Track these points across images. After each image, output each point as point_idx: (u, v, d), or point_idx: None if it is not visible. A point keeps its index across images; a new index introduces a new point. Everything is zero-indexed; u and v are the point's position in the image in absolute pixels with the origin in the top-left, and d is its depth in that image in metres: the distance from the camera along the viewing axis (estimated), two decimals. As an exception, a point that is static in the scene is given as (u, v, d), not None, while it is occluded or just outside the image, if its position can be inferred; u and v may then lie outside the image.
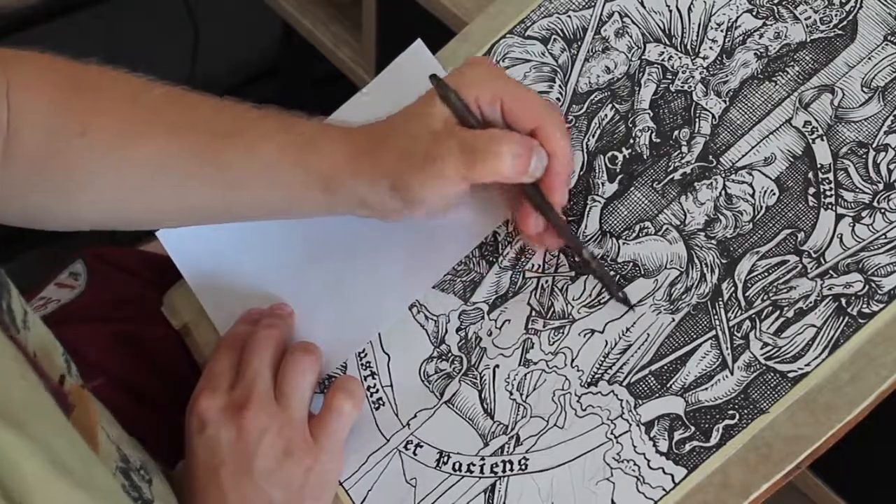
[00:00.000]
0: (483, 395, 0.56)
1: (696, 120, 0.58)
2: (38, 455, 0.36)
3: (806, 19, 0.57)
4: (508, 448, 0.55)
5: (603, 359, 0.54)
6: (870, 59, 0.55)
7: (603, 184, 0.59)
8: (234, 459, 0.54)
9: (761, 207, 0.54)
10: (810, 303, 0.51)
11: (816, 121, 0.55)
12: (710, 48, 0.59)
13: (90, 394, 0.52)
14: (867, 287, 0.51)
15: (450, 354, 0.58)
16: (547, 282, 0.58)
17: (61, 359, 0.52)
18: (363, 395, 0.58)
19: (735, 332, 0.52)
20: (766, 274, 0.53)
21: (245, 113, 0.57)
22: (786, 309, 0.52)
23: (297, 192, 0.56)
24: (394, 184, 0.54)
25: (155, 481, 0.53)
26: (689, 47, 0.59)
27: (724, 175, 0.56)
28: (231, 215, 0.60)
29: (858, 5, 0.56)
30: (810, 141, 0.55)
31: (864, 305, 0.50)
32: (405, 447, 0.57)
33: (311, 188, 0.55)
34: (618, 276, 0.56)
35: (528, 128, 0.55)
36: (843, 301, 0.51)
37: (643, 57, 0.60)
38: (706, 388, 0.52)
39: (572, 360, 0.55)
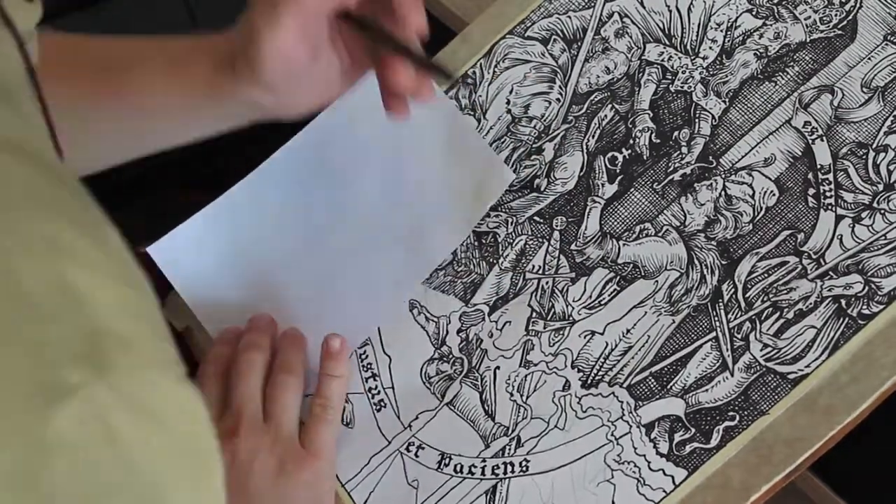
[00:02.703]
0: (484, 397, 0.57)
1: (696, 120, 0.58)
2: None
3: (806, 19, 0.57)
4: (509, 450, 0.55)
5: (603, 360, 0.54)
6: (870, 59, 0.55)
7: (603, 185, 0.59)
8: (230, 483, 0.54)
9: (761, 208, 0.54)
10: (810, 304, 0.51)
11: (816, 121, 0.55)
12: (710, 48, 0.59)
13: None
14: (867, 288, 0.51)
15: (451, 356, 0.58)
16: (547, 283, 0.58)
17: None
18: (342, 400, 0.58)
19: (735, 334, 0.52)
20: (766, 275, 0.53)
21: (130, 46, 0.58)
22: (786, 310, 0.52)
23: (189, 102, 0.56)
24: (242, 59, 0.52)
25: None
26: (688, 47, 0.59)
27: (723, 176, 0.56)
28: (138, 144, 0.61)
29: (858, 5, 0.56)
30: (810, 141, 0.55)
31: (864, 307, 0.50)
32: (407, 449, 0.57)
33: (198, 97, 0.56)
34: (618, 276, 0.56)
35: None
36: (843, 302, 0.51)
37: (643, 57, 0.60)
38: (706, 390, 0.52)
39: (573, 362, 0.55)
